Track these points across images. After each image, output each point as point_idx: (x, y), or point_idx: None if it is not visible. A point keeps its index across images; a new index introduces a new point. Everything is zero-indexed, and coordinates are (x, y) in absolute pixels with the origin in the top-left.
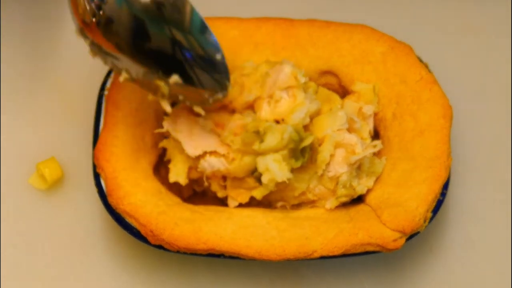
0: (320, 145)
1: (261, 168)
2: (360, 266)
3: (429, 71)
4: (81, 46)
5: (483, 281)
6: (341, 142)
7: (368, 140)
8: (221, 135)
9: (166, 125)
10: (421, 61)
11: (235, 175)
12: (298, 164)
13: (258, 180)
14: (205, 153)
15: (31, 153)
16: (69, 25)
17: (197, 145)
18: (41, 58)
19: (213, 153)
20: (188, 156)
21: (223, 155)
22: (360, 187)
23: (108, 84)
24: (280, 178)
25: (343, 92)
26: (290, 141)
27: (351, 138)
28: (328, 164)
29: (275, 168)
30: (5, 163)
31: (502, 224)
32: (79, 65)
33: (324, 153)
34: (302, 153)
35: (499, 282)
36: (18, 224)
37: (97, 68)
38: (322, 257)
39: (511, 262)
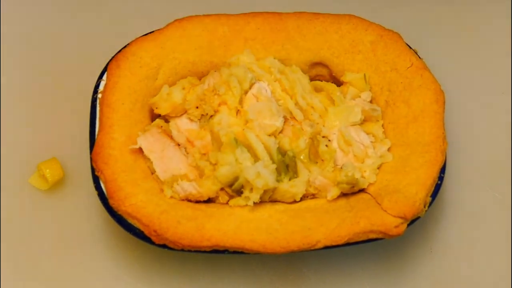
0: (329, 139)
1: (250, 175)
2: (360, 266)
3: (419, 57)
4: (82, 46)
5: (483, 280)
6: (350, 141)
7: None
8: (189, 158)
9: (140, 142)
10: (410, 48)
11: (208, 196)
12: (286, 178)
13: (237, 192)
14: (174, 177)
15: (31, 153)
16: (68, 25)
17: (167, 168)
18: (42, 58)
19: (184, 177)
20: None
21: (194, 179)
22: (363, 181)
23: (101, 87)
24: (272, 183)
25: (335, 83)
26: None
27: (364, 139)
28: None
29: (266, 173)
30: (5, 163)
31: (499, 218)
32: (81, 66)
33: (331, 153)
34: (288, 168)
35: (499, 281)
36: (18, 224)
37: (98, 68)
38: (326, 247)
39: (511, 258)
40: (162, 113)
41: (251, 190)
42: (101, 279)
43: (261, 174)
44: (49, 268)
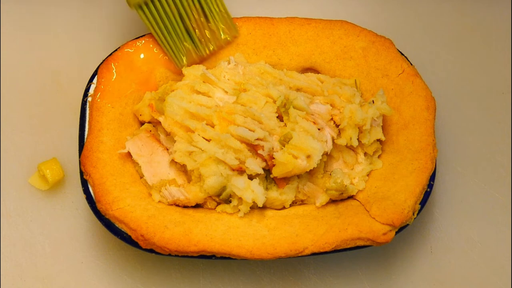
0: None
1: (241, 185)
2: (360, 266)
3: (410, 64)
4: (83, 47)
5: (483, 280)
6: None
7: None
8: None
9: (128, 146)
10: (402, 54)
11: (195, 202)
12: (273, 190)
13: (226, 201)
14: (162, 181)
15: (31, 153)
16: (67, 25)
17: (155, 173)
18: (42, 57)
19: (172, 181)
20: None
21: (181, 185)
22: (352, 187)
23: (91, 90)
24: (260, 203)
25: None
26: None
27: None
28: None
29: (259, 191)
30: (5, 163)
31: (499, 218)
32: (81, 66)
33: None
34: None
35: (499, 281)
36: (18, 224)
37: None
38: (314, 254)
39: (511, 258)
40: (146, 120)
41: (240, 199)
42: (102, 279)
43: (250, 187)
44: (49, 268)
